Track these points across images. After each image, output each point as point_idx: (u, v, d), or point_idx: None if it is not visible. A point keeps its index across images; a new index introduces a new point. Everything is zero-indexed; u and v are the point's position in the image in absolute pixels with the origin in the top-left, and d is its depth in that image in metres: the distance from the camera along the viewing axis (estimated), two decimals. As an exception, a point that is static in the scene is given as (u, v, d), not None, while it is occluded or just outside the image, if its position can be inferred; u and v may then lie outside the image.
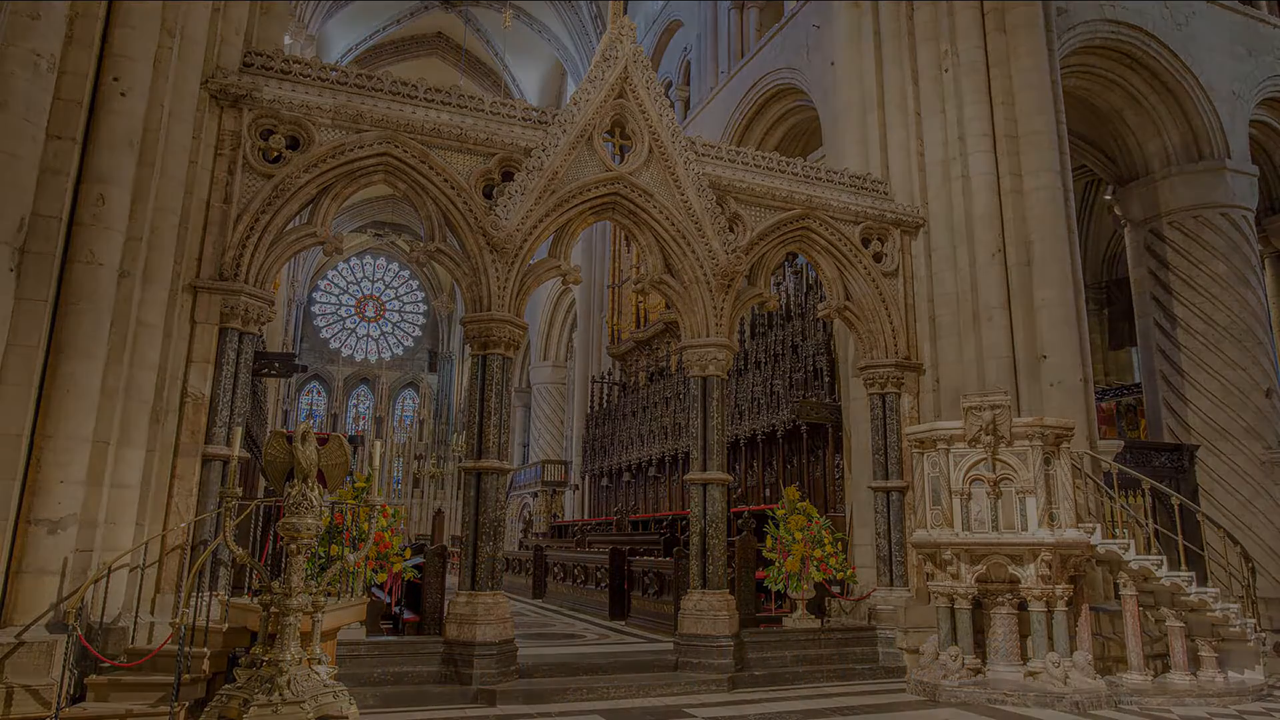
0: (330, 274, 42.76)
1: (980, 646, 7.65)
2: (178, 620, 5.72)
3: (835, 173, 9.77)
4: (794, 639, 8.40)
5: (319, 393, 41.65)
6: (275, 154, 7.33)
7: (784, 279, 13.57)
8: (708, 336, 8.57)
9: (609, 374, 21.19)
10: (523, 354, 33.05)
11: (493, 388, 7.74)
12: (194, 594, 5.83)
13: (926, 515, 7.89)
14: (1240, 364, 12.35)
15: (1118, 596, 7.76)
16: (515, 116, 8.03)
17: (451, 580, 8.12)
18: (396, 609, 8.10)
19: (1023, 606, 7.51)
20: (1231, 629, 7.58)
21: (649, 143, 8.31)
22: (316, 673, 4.72)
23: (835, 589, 9.26)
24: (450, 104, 7.87)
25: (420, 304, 44.50)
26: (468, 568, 7.40)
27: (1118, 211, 14.26)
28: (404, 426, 41.47)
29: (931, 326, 9.50)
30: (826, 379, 11.70)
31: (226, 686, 4.68)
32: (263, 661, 4.60)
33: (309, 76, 7.50)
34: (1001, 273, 9.25)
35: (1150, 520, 8.80)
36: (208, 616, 5.89)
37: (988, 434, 7.58)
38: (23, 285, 5.72)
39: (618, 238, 19.28)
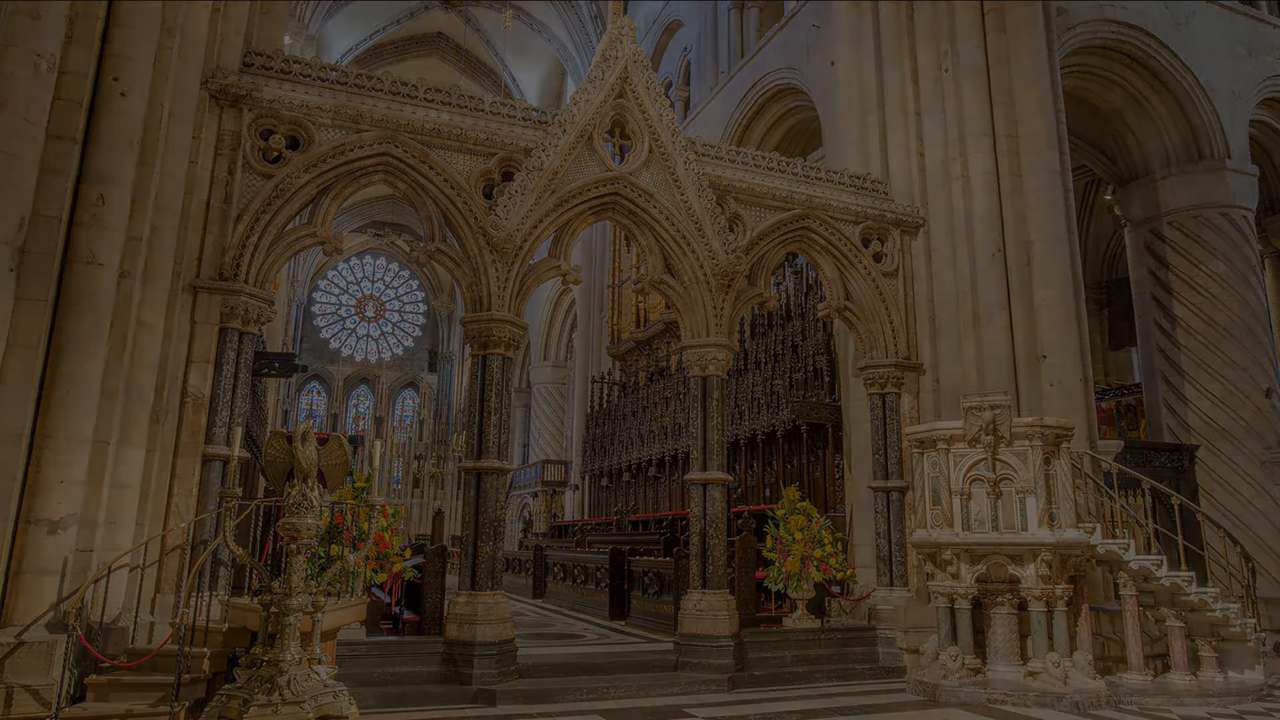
0: (330, 274, 42.76)
1: (980, 646, 7.65)
2: (178, 620, 5.72)
3: (835, 173, 9.77)
4: (794, 639, 8.40)
5: (319, 393, 41.64)
6: (275, 154, 7.34)
7: (784, 279, 13.57)
8: (708, 336, 8.57)
9: (609, 374, 21.19)
10: (523, 354, 33.04)
11: (493, 388, 7.74)
12: (194, 594, 5.83)
13: (926, 515, 7.89)
14: (1240, 364, 12.36)
15: (1118, 596, 7.76)
16: (515, 116, 8.04)
17: (451, 580, 8.11)
18: (396, 609, 8.10)
19: (1023, 606, 7.51)
20: (1231, 629, 7.58)
21: (649, 143, 8.31)
22: (316, 673, 4.72)
23: (835, 589, 9.26)
24: (450, 104, 7.87)
25: (420, 304, 44.50)
26: (468, 568, 7.40)
27: (1118, 211, 14.26)
28: (404, 426, 41.48)
29: (931, 326, 9.51)
30: (826, 379, 11.70)
31: (226, 686, 4.68)
32: (263, 661, 4.60)
33: (309, 76, 7.50)
34: (1001, 273, 9.25)
35: (1150, 520, 8.80)
36: (208, 616, 5.89)
37: (988, 434, 7.58)
38: (23, 285, 5.72)
39: (618, 238, 19.27)
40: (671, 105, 8.55)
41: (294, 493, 4.82)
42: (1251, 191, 13.12)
